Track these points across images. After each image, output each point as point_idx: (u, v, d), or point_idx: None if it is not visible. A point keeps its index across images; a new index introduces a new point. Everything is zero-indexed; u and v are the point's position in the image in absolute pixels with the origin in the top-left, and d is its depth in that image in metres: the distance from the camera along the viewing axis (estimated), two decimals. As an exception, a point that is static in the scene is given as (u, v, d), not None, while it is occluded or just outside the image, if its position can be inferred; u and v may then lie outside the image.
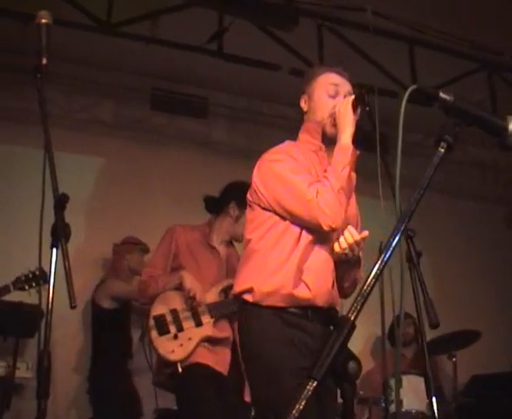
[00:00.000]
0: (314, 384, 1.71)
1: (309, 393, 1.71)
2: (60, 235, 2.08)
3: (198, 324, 4.37)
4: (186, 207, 5.74)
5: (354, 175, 3.05)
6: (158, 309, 4.40)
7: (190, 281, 4.36)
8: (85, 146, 6.73)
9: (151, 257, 4.90)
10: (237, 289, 3.06)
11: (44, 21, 2.46)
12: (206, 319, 4.36)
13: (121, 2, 5.62)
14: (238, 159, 6.46)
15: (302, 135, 3.26)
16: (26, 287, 4.45)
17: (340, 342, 1.75)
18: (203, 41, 5.77)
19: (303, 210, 2.92)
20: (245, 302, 2.98)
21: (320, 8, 5.91)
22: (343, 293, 3.20)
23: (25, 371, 5.42)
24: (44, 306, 2.15)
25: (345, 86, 3.22)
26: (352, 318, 1.77)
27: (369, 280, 1.82)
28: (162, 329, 4.34)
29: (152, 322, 4.35)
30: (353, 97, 3.04)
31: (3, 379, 5.30)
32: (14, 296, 4.87)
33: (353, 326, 1.77)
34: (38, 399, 2.04)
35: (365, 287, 1.81)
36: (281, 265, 2.94)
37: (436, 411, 2.39)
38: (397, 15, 5.83)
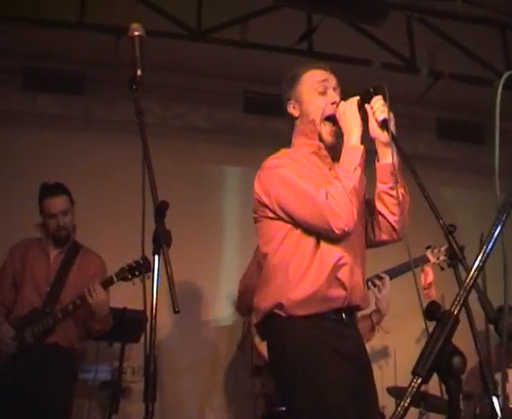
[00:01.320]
0: (419, 381, 1.67)
1: (414, 390, 1.67)
2: (162, 241, 2.12)
3: None
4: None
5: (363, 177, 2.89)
6: None
7: None
8: (182, 152, 6.86)
9: (248, 267, 4.96)
10: (263, 306, 2.92)
11: (136, 33, 2.50)
12: None
13: (209, 9, 5.69)
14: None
15: (297, 140, 3.13)
16: (129, 276, 4.42)
17: (443, 337, 1.70)
18: (292, 41, 5.77)
19: (312, 214, 2.78)
20: (276, 317, 2.84)
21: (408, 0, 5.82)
22: (400, 226, 3.01)
23: (131, 375, 5.56)
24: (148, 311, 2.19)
25: (331, 80, 3.10)
26: (455, 312, 1.72)
27: (471, 273, 1.75)
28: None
29: (254, 329, 4.42)
30: (357, 97, 2.90)
31: (111, 383, 5.45)
32: (118, 301, 4.99)
33: (456, 321, 1.71)
34: (146, 402, 2.07)
35: (468, 280, 1.75)
36: (306, 271, 2.80)
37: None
38: (486, 1, 5.67)
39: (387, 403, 5.02)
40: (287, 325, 2.81)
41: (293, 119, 3.15)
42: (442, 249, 4.84)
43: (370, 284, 4.47)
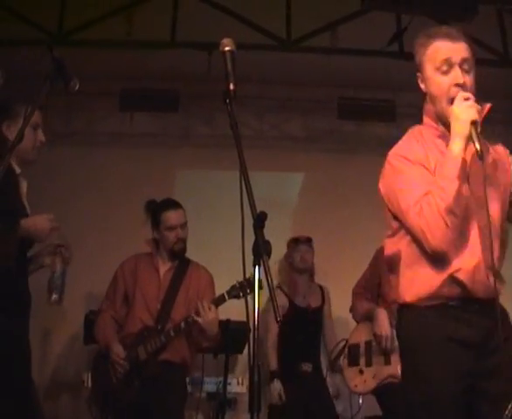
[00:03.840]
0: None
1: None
2: (262, 252, 2.13)
3: (387, 362, 4.32)
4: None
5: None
6: (356, 337, 4.41)
7: (379, 325, 4.34)
8: (280, 162, 6.90)
9: (364, 272, 4.94)
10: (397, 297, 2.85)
11: (227, 48, 2.53)
12: (396, 357, 4.26)
13: (298, 18, 5.71)
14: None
15: (425, 119, 2.93)
16: (241, 294, 4.43)
17: None
18: (383, 44, 5.71)
19: (409, 227, 2.71)
20: (403, 305, 2.79)
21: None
22: None
23: (236, 386, 5.60)
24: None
25: (459, 52, 2.75)
26: None
27: None
28: (353, 360, 4.35)
29: (347, 350, 4.38)
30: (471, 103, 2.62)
31: (216, 394, 5.51)
32: (221, 313, 5.04)
33: None
34: (251, 412, 2.09)
35: None
36: (428, 264, 2.69)
37: None
38: None
39: None
40: (412, 311, 2.78)
41: (423, 92, 2.93)
42: None
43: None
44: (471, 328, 2.67)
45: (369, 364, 4.34)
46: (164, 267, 4.81)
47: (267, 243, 2.15)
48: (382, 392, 4.49)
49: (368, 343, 4.39)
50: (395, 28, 5.78)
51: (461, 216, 2.64)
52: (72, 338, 6.32)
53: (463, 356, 2.66)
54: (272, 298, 2.07)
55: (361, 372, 4.34)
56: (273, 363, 5.61)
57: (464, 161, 2.63)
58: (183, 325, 4.49)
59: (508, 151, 2.90)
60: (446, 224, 2.59)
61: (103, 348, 4.63)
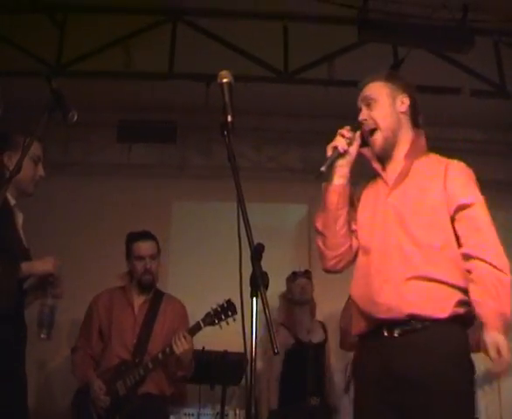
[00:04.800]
0: None
1: None
2: (259, 284, 2.12)
3: None
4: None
5: None
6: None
7: None
8: (275, 193, 6.91)
9: (346, 304, 4.89)
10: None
11: (225, 80, 2.54)
12: None
13: (295, 50, 5.75)
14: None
15: None
16: (216, 321, 4.47)
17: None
18: (380, 76, 5.74)
19: None
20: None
21: (494, 24, 5.71)
22: None
23: (234, 417, 5.55)
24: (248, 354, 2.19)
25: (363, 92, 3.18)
26: None
27: None
28: None
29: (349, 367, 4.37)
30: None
31: (213, 426, 5.47)
32: (219, 344, 5.02)
33: None
34: (249, 445, 2.07)
35: None
36: None
37: None
38: None
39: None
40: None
41: None
42: None
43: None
44: None
45: None
46: (138, 300, 4.81)
47: (265, 275, 2.14)
48: None
49: None
50: (392, 60, 5.81)
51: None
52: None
53: None
54: (269, 330, 2.06)
55: None
56: (274, 400, 5.63)
57: (338, 187, 3.04)
58: (160, 356, 4.49)
59: (448, 167, 2.92)
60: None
61: (82, 385, 4.62)
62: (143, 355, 4.59)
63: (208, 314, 4.52)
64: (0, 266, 3.20)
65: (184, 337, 4.43)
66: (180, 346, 4.41)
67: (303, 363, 5.64)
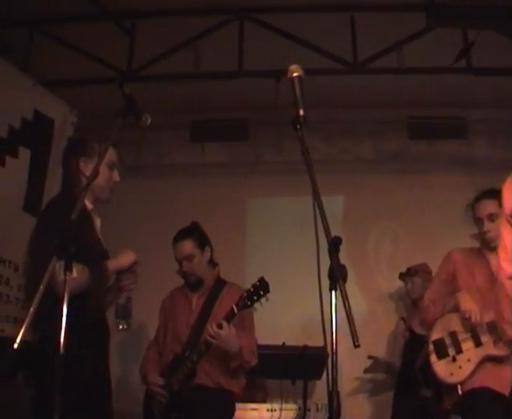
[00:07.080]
0: None
1: None
2: (338, 276, 2.11)
3: (478, 344, 4.21)
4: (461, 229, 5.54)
5: None
6: (437, 333, 4.33)
7: (464, 302, 4.23)
8: (350, 186, 6.89)
9: (431, 283, 4.81)
10: None
11: (296, 74, 2.54)
12: (486, 338, 4.18)
13: (364, 40, 5.70)
14: (499, 174, 6.20)
15: None
16: (249, 303, 4.24)
17: None
18: (450, 60, 5.64)
19: None
20: None
21: None
22: None
23: (316, 412, 5.56)
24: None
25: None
26: None
27: None
28: (441, 353, 4.26)
29: (431, 347, 4.29)
30: None
31: (296, 421, 5.49)
32: (299, 339, 5.03)
33: None
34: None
35: None
36: None
37: None
38: None
39: None
40: None
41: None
42: None
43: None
44: None
45: (459, 351, 4.25)
46: (196, 296, 4.74)
47: (343, 268, 2.13)
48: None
49: (452, 333, 4.29)
50: (462, 43, 5.70)
51: None
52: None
53: None
54: (349, 323, 2.05)
55: (454, 359, 4.24)
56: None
57: None
58: (203, 347, 4.38)
59: None
60: None
61: (143, 383, 4.68)
62: (195, 348, 4.48)
63: (241, 297, 4.30)
64: (90, 273, 3.29)
65: (218, 325, 4.28)
66: (214, 335, 4.27)
67: (415, 354, 5.61)
